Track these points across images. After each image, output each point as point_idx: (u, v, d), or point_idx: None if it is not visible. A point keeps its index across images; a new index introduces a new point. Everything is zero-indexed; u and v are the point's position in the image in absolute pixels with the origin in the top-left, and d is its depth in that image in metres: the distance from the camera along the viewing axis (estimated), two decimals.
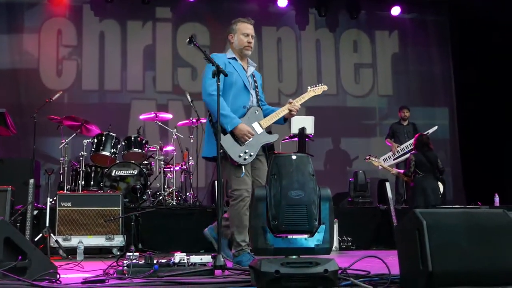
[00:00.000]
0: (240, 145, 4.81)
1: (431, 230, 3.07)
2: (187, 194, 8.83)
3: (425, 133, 9.28)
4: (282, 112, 5.06)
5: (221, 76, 4.68)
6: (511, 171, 10.85)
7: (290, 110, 5.06)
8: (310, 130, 8.41)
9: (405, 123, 10.45)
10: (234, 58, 5.08)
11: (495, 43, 11.16)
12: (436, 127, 10.06)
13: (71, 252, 6.55)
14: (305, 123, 8.35)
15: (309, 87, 5.42)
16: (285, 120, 5.20)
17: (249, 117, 4.94)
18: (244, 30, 5.07)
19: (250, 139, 4.82)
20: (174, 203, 8.33)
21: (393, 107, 11.83)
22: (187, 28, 11.53)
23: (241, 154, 4.79)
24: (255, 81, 5.13)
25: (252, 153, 4.82)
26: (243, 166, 4.79)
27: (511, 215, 3.29)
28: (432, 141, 8.56)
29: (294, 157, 3.19)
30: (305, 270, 2.94)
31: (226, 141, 4.78)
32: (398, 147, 10.05)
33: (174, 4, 11.72)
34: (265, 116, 5.09)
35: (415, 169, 8.15)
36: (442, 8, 12.71)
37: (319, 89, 5.42)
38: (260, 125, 4.96)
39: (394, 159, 9.97)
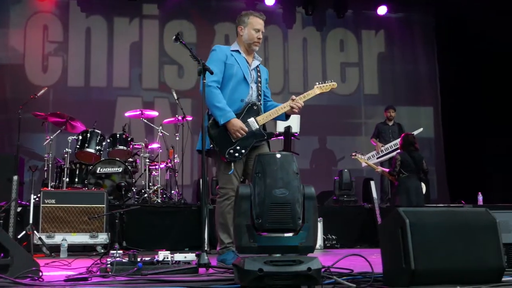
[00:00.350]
0: (232, 141, 4.66)
1: (414, 228, 3.09)
2: (172, 192, 8.81)
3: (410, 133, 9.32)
4: (282, 109, 4.87)
5: (223, 66, 4.73)
6: (494, 170, 10.94)
7: (292, 108, 4.86)
8: (295, 128, 8.43)
9: (391, 123, 10.48)
10: (237, 51, 4.94)
11: (480, 44, 11.24)
12: (421, 129, 10.09)
13: (55, 249, 6.52)
14: (291, 121, 8.34)
15: (316, 83, 5.19)
16: (287, 116, 5.01)
17: (246, 111, 4.77)
18: (255, 25, 4.96)
19: (244, 135, 4.66)
20: (159, 201, 8.31)
21: (378, 106, 11.88)
22: (174, 26, 11.50)
23: (231, 151, 4.64)
24: (259, 76, 4.97)
25: (243, 151, 4.66)
26: (232, 164, 4.66)
27: (493, 214, 3.32)
28: (417, 141, 8.59)
29: (278, 155, 3.19)
30: (288, 268, 2.94)
31: (218, 135, 4.65)
32: (382, 146, 10.08)
33: (161, 1, 11.69)
34: (266, 112, 4.92)
35: (400, 168, 8.18)
36: (428, 8, 12.77)
37: (327, 86, 5.18)
38: (257, 121, 4.77)
39: (377, 158, 10.00)
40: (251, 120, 4.76)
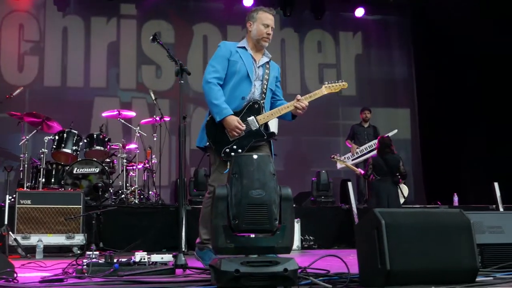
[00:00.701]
0: (229, 140, 4.50)
1: (390, 229, 3.11)
2: (150, 192, 8.77)
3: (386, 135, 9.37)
4: (285, 108, 4.70)
5: (226, 63, 4.60)
6: (469, 171, 11.07)
7: (297, 108, 4.69)
8: (274, 129, 8.40)
9: (366, 125, 10.52)
10: (243, 48, 4.77)
11: (456, 46, 11.38)
12: (396, 131, 10.06)
13: (30, 250, 6.45)
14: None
15: (325, 83, 4.98)
16: (294, 117, 4.84)
17: (246, 109, 4.59)
18: (264, 20, 4.77)
19: (242, 134, 4.50)
20: (137, 201, 8.28)
21: (356, 107, 11.94)
22: (152, 26, 11.46)
23: (227, 150, 4.49)
24: (266, 73, 4.75)
25: (239, 150, 4.47)
26: (228, 163, 4.27)
27: (467, 215, 3.36)
28: (393, 142, 8.64)
29: (255, 156, 3.20)
30: (265, 269, 2.94)
31: (215, 133, 4.52)
32: (357, 148, 10.11)
33: (139, 1, 11.64)
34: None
35: (373, 172, 8.21)
36: (405, 11, 12.90)
37: (337, 86, 4.99)
38: (257, 120, 4.58)
39: (352, 160, 10.02)
40: (251, 119, 4.58)
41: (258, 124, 4.59)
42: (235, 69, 4.63)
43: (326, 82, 5.00)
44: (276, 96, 4.91)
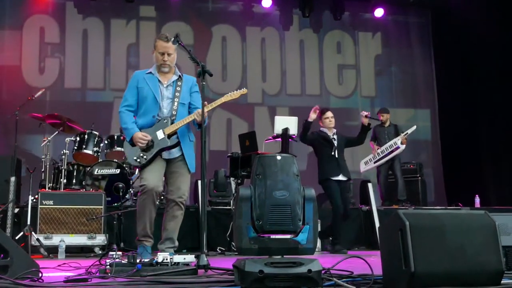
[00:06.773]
0: (139, 150, 5.30)
1: (414, 231, 3.09)
2: None
3: (404, 133, 9.25)
4: (188, 118, 5.33)
5: (136, 91, 5.39)
6: (491, 173, 10.97)
7: (197, 116, 5.31)
8: (293, 130, 8.41)
9: (386, 125, 10.21)
10: (150, 73, 5.47)
11: (476, 45, 11.31)
12: (414, 127, 9.72)
13: (53, 250, 6.52)
14: (289, 123, 8.35)
15: (228, 93, 5.54)
16: (199, 125, 5.28)
17: (156, 125, 5.34)
18: (160, 49, 5.41)
19: (148, 143, 5.26)
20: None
21: (376, 108, 11.89)
22: (171, 27, 11.49)
23: (135, 158, 5.29)
24: (177, 90, 5.43)
25: (144, 157, 5.27)
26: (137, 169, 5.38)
27: (492, 216, 3.33)
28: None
29: (279, 157, 3.20)
30: (289, 270, 2.95)
31: (129, 148, 5.38)
32: (378, 149, 9.78)
33: (158, 3, 11.69)
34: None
35: None
36: (425, 11, 12.84)
37: (237, 94, 5.57)
38: (163, 132, 5.31)
39: (374, 162, 9.76)
40: (159, 131, 5.32)
41: (164, 134, 5.31)
42: (143, 95, 5.39)
43: (229, 93, 5.57)
44: (192, 105, 5.52)
